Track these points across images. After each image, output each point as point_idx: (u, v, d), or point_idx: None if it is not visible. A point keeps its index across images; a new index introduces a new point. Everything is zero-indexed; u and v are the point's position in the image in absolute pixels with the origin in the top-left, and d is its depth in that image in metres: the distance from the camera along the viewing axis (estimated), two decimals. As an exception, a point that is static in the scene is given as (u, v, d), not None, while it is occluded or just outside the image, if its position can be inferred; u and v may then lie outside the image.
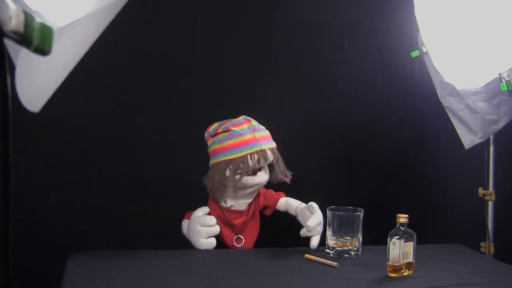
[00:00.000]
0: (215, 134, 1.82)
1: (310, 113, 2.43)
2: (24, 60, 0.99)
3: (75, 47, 1.11)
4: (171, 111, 2.29)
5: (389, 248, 1.50)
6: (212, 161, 1.82)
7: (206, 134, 1.87)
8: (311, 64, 2.42)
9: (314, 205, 1.77)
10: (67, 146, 2.17)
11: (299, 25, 2.39)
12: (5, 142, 0.73)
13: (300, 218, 1.78)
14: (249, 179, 1.78)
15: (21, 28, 0.75)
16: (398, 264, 1.50)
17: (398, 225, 1.51)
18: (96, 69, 1.98)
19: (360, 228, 1.73)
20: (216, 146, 1.81)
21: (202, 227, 1.75)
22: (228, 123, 1.82)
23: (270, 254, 1.72)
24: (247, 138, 1.77)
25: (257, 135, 1.79)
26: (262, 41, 2.38)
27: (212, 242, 1.76)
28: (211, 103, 2.28)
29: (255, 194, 1.87)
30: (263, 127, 1.86)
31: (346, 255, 1.72)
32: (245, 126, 1.80)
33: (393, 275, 1.50)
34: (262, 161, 1.77)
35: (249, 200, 1.87)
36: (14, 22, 0.74)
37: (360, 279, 1.49)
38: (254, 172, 1.79)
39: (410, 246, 1.51)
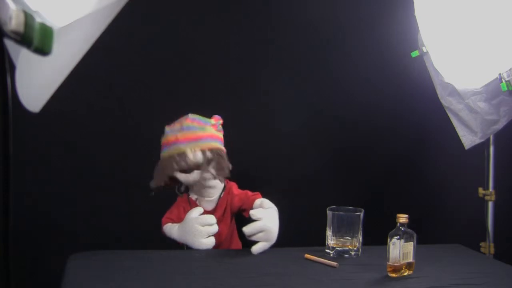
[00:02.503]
0: None
1: (310, 113, 2.43)
2: (24, 60, 0.99)
3: (75, 47, 1.11)
4: (171, 111, 2.28)
5: (389, 248, 1.50)
6: None
7: None
8: (311, 64, 2.43)
9: (254, 211, 1.74)
10: (67, 146, 2.17)
11: (299, 25, 2.39)
12: (6, 142, 0.73)
13: None
14: (181, 176, 1.81)
15: (21, 28, 0.76)
16: (398, 264, 1.50)
17: (398, 225, 1.51)
18: (96, 69, 1.98)
19: (360, 228, 1.73)
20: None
21: (203, 227, 1.74)
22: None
23: (270, 254, 1.72)
24: (170, 138, 1.80)
25: (180, 135, 1.78)
26: (263, 41, 2.38)
27: (213, 241, 1.76)
28: (211, 103, 2.28)
29: (213, 193, 1.87)
30: (201, 125, 1.82)
31: (346, 255, 1.72)
32: (177, 126, 1.81)
33: (393, 275, 1.50)
34: (183, 163, 1.76)
35: (210, 198, 1.87)
36: (15, 22, 0.74)
37: (360, 279, 1.49)
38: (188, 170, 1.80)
39: (410, 246, 1.51)
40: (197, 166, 1.79)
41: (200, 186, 1.85)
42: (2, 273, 0.75)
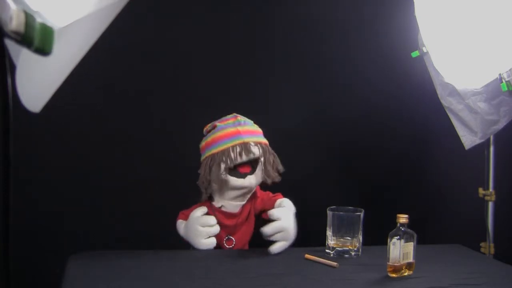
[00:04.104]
0: (206, 134, 1.84)
1: (310, 113, 2.43)
2: (24, 60, 0.99)
3: (75, 48, 1.12)
4: (171, 111, 2.29)
5: (389, 249, 1.50)
6: (201, 158, 1.84)
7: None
8: (311, 64, 2.43)
9: (272, 211, 1.72)
10: (67, 146, 2.17)
11: (299, 25, 2.39)
12: (6, 142, 0.73)
13: None
14: (235, 181, 1.76)
15: (22, 29, 0.76)
16: (398, 264, 1.50)
17: (398, 225, 1.51)
18: (96, 69, 1.98)
19: (360, 228, 1.73)
20: (203, 143, 1.83)
21: (203, 227, 1.74)
22: (216, 121, 1.83)
23: (270, 254, 1.72)
24: (229, 131, 1.77)
25: (240, 128, 1.77)
26: (263, 42, 2.38)
27: (213, 242, 1.76)
28: (211, 103, 2.29)
29: (247, 197, 1.84)
30: (251, 123, 1.84)
31: (346, 255, 1.72)
32: (230, 121, 1.81)
33: (393, 275, 1.50)
34: (244, 154, 1.74)
35: (242, 202, 1.84)
36: (15, 23, 0.75)
37: (360, 279, 1.49)
38: (241, 173, 1.77)
39: (410, 246, 1.51)
40: (256, 162, 1.78)
41: (236, 190, 1.79)
42: (2, 273, 0.75)
